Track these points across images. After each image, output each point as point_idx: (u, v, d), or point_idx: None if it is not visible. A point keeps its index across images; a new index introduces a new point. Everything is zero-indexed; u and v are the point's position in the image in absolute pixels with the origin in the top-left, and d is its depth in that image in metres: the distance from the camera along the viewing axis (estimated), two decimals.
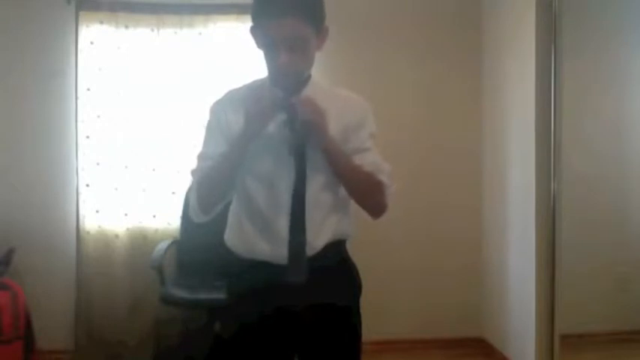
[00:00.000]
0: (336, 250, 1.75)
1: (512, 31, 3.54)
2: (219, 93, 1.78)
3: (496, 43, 3.79)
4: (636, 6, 3.60)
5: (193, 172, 1.72)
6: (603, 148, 3.56)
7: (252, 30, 1.66)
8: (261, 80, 1.73)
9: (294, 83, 1.63)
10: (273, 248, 1.67)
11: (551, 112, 3.18)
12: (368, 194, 1.72)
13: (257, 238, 1.69)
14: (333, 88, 1.77)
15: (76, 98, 3.64)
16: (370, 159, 1.70)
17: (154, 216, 3.71)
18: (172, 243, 3.59)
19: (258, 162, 1.66)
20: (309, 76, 1.70)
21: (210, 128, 1.73)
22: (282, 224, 1.65)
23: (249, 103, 1.59)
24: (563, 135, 3.17)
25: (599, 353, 3.45)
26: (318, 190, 1.68)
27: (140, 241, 3.67)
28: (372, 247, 3.55)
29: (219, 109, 1.73)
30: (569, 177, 3.21)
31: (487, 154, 3.93)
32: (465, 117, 3.97)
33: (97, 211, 3.66)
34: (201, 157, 1.71)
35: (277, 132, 1.62)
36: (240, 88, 1.76)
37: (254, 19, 1.64)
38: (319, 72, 1.79)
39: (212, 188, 1.67)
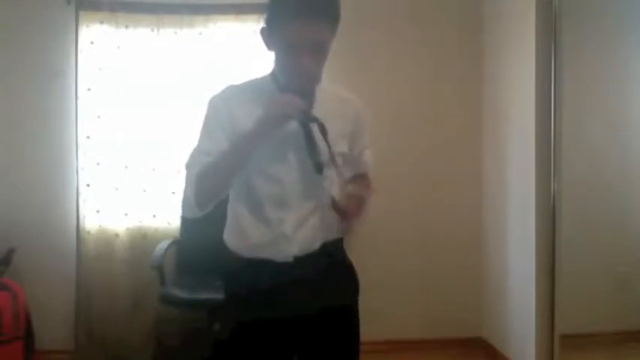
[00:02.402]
0: (335, 248, 1.75)
1: (512, 31, 3.54)
2: (222, 88, 1.75)
3: (496, 43, 3.79)
4: (636, 6, 3.60)
5: (189, 167, 1.69)
6: (603, 148, 3.56)
7: (265, 31, 1.64)
8: (262, 78, 1.73)
9: (311, 87, 1.64)
10: (277, 246, 1.67)
11: (551, 112, 3.18)
12: None
13: (261, 237, 1.69)
14: (336, 90, 1.77)
15: (76, 98, 3.64)
16: (369, 155, 1.82)
17: (154, 216, 3.71)
18: (172, 243, 3.59)
19: (266, 161, 1.66)
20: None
21: (209, 123, 1.69)
22: (289, 222, 1.66)
23: (268, 106, 1.57)
24: (563, 135, 3.17)
25: (599, 353, 3.45)
26: (320, 186, 1.69)
27: (140, 241, 3.68)
28: (372, 247, 3.56)
29: (220, 104, 1.70)
30: (569, 177, 3.21)
31: (487, 154, 3.93)
32: (466, 116, 3.97)
33: (98, 211, 3.66)
34: (198, 152, 1.68)
35: (286, 133, 1.62)
36: (240, 85, 1.75)
37: (272, 20, 1.61)
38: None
39: (213, 184, 1.65)
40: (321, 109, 1.65)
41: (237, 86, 1.74)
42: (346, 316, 1.77)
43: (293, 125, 1.61)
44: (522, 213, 3.43)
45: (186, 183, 1.69)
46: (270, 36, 1.63)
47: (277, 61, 1.65)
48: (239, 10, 3.62)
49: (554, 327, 3.20)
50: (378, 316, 3.48)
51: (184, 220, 3.63)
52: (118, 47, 3.66)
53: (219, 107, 1.69)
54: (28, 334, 3.35)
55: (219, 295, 1.87)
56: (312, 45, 1.57)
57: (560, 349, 3.20)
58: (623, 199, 3.64)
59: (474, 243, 3.98)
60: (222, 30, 3.68)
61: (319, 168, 1.61)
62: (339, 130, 1.68)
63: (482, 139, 3.97)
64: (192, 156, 1.70)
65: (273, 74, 1.70)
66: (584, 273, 3.43)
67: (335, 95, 1.75)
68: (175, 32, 3.70)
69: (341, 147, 1.70)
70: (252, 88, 1.72)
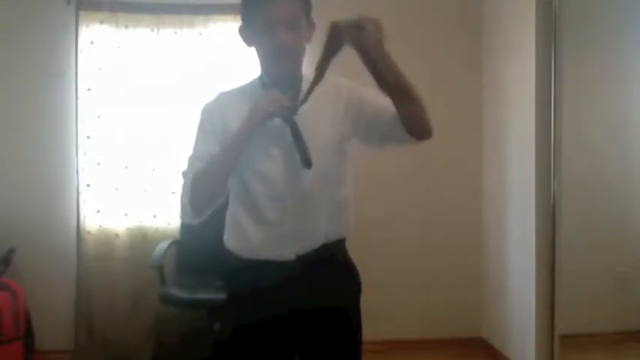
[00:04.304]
0: (337, 249, 1.76)
1: (512, 31, 3.54)
2: (214, 95, 1.78)
3: (496, 43, 3.79)
4: (636, 6, 3.60)
5: (185, 174, 1.71)
6: (603, 148, 3.56)
7: (243, 28, 1.71)
8: (251, 82, 1.75)
9: (292, 67, 1.65)
10: (278, 246, 1.67)
11: (551, 112, 3.18)
12: (419, 104, 1.66)
13: (261, 238, 1.69)
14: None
15: (76, 98, 3.64)
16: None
17: (154, 216, 3.71)
18: (172, 243, 3.59)
19: (260, 162, 1.66)
20: (302, 76, 1.72)
21: (202, 130, 1.72)
22: (288, 221, 1.66)
23: (252, 105, 1.60)
24: (563, 135, 3.17)
25: (599, 353, 3.45)
26: (320, 188, 1.69)
27: (140, 241, 3.68)
28: (372, 247, 3.56)
29: (213, 110, 1.73)
30: (569, 177, 3.21)
31: (487, 154, 3.93)
32: (466, 117, 3.96)
33: (98, 211, 3.66)
34: (193, 159, 1.70)
35: (276, 131, 1.63)
36: (230, 91, 1.78)
37: (246, 12, 1.69)
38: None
39: (207, 188, 1.66)
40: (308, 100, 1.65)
41: (227, 92, 1.78)
42: (348, 316, 1.77)
43: (281, 122, 1.63)
44: (522, 213, 3.43)
45: (183, 189, 1.69)
46: (248, 29, 1.69)
47: (258, 51, 1.69)
48: (239, 10, 3.62)
49: (554, 327, 3.20)
50: (378, 316, 3.48)
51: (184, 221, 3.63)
52: (118, 47, 3.66)
53: (212, 113, 1.73)
54: (28, 334, 3.35)
55: (219, 295, 1.87)
56: (287, 22, 1.62)
57: (560, 349, 3.20)
58: (623, 199, 3.64)
59: (474, 243, 3.98)
60: (222, 30, 3.69)
61: (307, 163, 1.61)
62: (331, 117, 1.68)
63: (483, 140, 3.97)
64: (188, 164, 1.72)
65: (260, 77, 1.73)
66: (584, 273, 3.43)
67: (322, 85, 1.70)
68: (175, 32, 3.70)
69: (334, 134, 1.70)
70: (242, 92, 1.75)
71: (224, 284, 1.82)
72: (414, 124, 1.65)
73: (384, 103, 1.62)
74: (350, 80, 1.76)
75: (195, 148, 1.72)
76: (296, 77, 1.70)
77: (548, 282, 3.21)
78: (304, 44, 1.69)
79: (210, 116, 1.72)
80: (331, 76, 1.72)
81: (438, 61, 3.91)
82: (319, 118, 1.66)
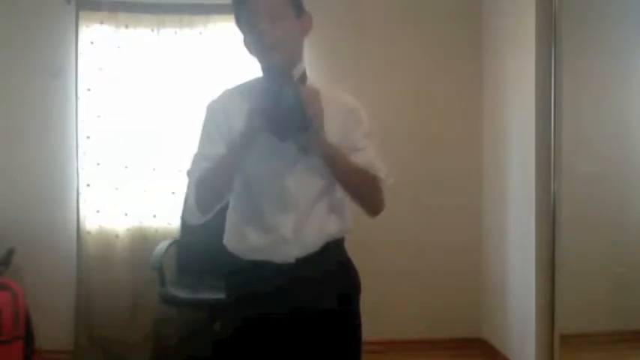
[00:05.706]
0: (335, 249, 1.75)
1: (512, 30, 3.54)
2: (219, 93, 1.77)
3: (496, 43, 3.79)
4: (636, 6, 3.60)
5: (190, 173, 1.70)
6: (603, 148, 3.56)
7: (245, 40, 1.69)
8: (256, 79, 1.73)
9: (280, 56, 1.62)
10: (277, 249, 1.67)
11: (551, 112, 3.18)
12: (366, 192, 1.71)
13: (260, 240, 1.68)
14: (327, 89, 1.70)
15: (76, 98, 3.64)
16: (365, 158, 1.69)
17: (154, 216, 3.71)
18: (172, 243, 3.59)
19: (260, 163, 1.66)
20: (305, 76, 1.70)
21: (207, 128, 1.71)
22: (287, 224, 1.66)
23: (250, 102, 1.58)
24: (563, 135, 3.17)
25: (599, 353, 3.45)
26: (317, 188, 1.69)
27: (140, 241, 3.68)
28: (372, 248, 3.56)
29: (217, 108, 1.72)
30: (569, 177, 3.21)
31: (487, 154, 3.93)
32: (465, 117, 3.97)
33: (98, 211, 3.66)
34: (198, 158, 1.69)
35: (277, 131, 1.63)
36: (234, 88, 1.76)
37: (235, 14, 1.66)
38: (318, 68, 1.79)
39: (212, 189, 1.65)
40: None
41: (232, 89, 1.76)
42: (347, 317, 1.77)
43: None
44: (522, 213, 3.43)
45: (188, 190, 1.69)
46: (242, 34, 1.67)
47: (254, 52, 1.67)
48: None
49: (554, 327, 3.20)
50: (378, 316, 3.48)
51: (184, 221, 3.63)
52: (118, 47, 3.66)
53: (216, 111, 1.71)
54: (28, 334, 3.35)
55: (219, 295, 1.87)
56: (269, 15, 1.60)
57: (560, 349, 3.20)
58: (623, 200, 3.64)
59: (474, 243, 3.98)
60: (222, 30, 3.69)
61: (304, 149, 1.59)
62: (335, 125, 1.65)
63: (483, 140, 3.97)
64: (193, 162, 1.71)
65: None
66: (584, 273, 3.43)
67: (325, 94, 1.64)
68: (175, 32, 3.70)
69: (334, 137, 1.65)
70: (247, 89, 1.72)
71: (224, 284, 1.82)
72: (360, 204, 1.72)
73: (361, 158, 1.68)
74: (361, 108, 1.75)
75: (200, 147, 1.71)
76: (290, 70, 1.66)
77: (548, 282, 3.21)
78: (295, 35, 1.65)
79: (214, 114, 1.71)
80: (348, 93, 1.75)
81: (437, 62, 3.91)
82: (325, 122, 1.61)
